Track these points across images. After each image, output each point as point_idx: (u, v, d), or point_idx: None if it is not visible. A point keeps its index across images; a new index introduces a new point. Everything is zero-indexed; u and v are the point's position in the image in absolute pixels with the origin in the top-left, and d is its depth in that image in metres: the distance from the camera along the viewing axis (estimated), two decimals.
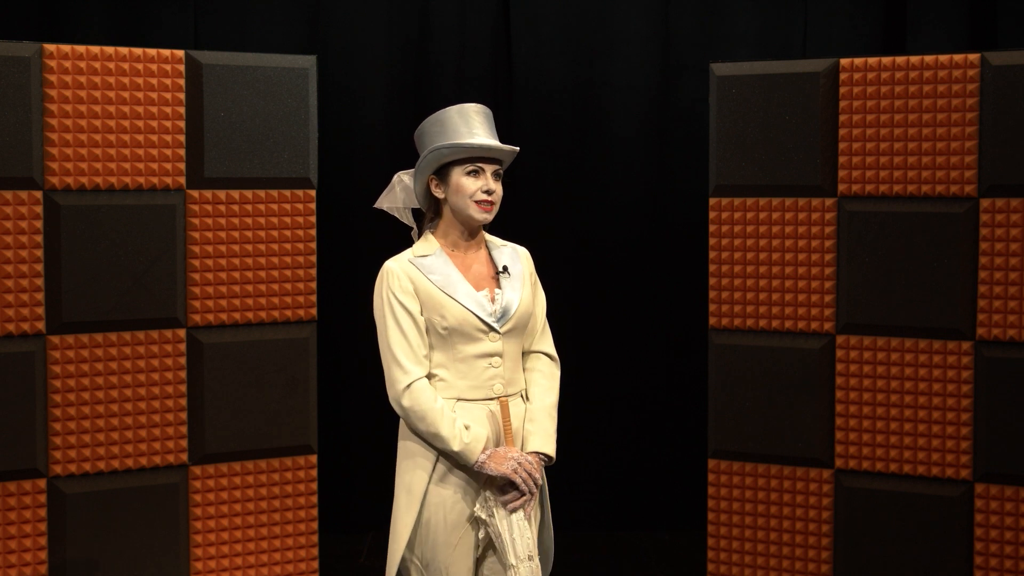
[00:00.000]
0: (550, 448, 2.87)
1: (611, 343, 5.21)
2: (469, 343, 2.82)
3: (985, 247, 3.63)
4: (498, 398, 2.84)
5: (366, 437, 5.12)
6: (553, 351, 3.00)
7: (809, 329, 3.84)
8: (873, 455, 3.78)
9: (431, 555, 2.83)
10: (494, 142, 2.83)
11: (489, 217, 2.86)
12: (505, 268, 2.90)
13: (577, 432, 4.95)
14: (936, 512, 3.71)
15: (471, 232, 2.90)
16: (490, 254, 2.95)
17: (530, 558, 2.80)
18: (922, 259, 3.70)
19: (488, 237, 2.99)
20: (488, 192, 2.82)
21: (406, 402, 2.79)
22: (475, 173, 2.83)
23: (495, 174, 2.85)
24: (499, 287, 2.89)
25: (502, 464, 2.78)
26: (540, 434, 2.87)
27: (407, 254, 2.89)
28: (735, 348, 3.92)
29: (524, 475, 2.78)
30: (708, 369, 3.97)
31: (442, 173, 2.86)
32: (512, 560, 2.78)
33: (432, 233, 2.93)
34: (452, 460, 2.82)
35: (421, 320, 2.82)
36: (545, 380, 2.95)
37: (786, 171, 3.84)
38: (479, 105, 2.89)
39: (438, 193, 2.88)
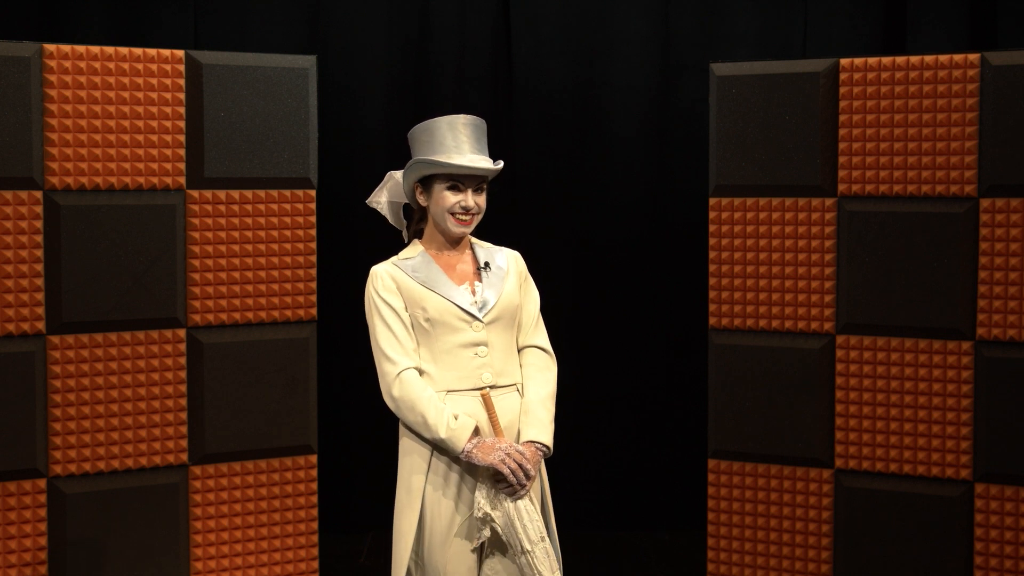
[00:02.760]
0: (546, 437, 2.88)
1: (611, 343, 5.21)
2: (453, 333, 2.87)
3: (985, 247, 3.62)
4: (489, 387, 2.86)
5: (366, 437, 5.12)
6: (547, 345, 3.03)
7: (809, 329, 3.84)
8: (873, 455, 3.78)
9: (427, 554, 2.84)
10: (471, 162, 2.87)
11: (466, 231, 2.93)
12: (487, 264, 2.96)
13: (577, 432, 4.96)
14: (936, 512, 3.71)
15: (455, 239, 2.97)
16: (475, 255, 3.01)
17: (543, 539, 2.81)
18: (922, 259, 3.70)
19: (475, 241, 3.05)
20: (465, 209, 2.88)
21: (396, 392, 2.83)
22: (455, 188, 2.89)
23: (477, 189, 2.91)
24: (480, 281, 2.94)
25: (489, 454, 2.78)
26: (535, 424, 2.88)
27: (392, 259, 2.98)
28: (735, 348, 3.92)
29: (513, 465, 2.77)
30: (708, 369, 3.97)
31: (425, 183, 2.93)
32: (527, 545, 2.79)
33: (419, 239, 3.01)
34: (447, 455, 2.83)
35: (406, 316, 2.89)
36: (539, 373, 2.97)
37: (786, 171, 3.84)
38: (471, 117, 2.93)
39: (422, 200, 2.96)
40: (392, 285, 2.90)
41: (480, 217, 2.94)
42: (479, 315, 2.88)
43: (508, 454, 2.78)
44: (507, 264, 3.00)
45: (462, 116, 2.92)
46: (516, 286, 2.99)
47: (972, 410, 3.66)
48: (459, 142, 2.88)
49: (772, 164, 3.85)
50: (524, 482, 2.79)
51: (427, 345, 2.88)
